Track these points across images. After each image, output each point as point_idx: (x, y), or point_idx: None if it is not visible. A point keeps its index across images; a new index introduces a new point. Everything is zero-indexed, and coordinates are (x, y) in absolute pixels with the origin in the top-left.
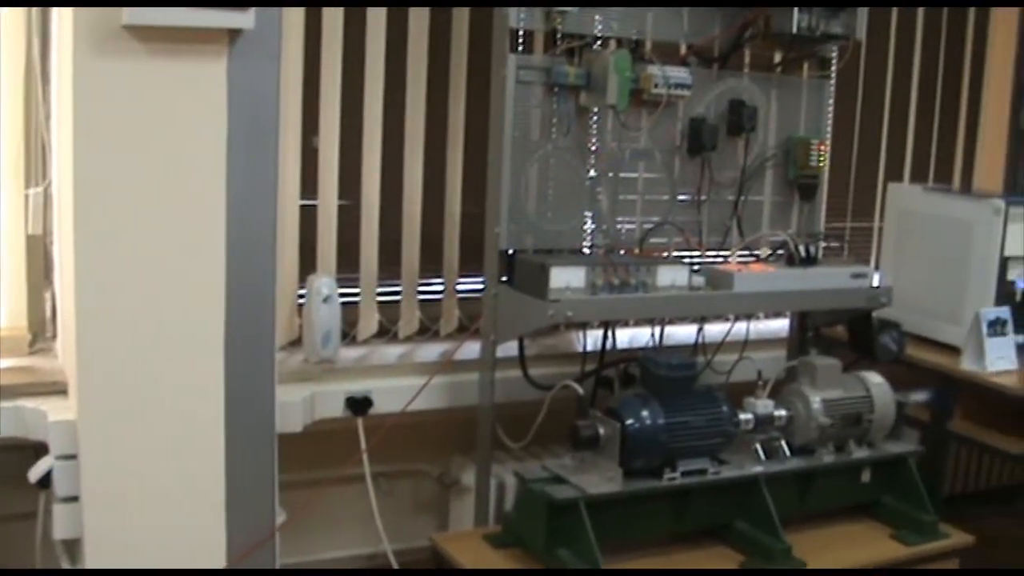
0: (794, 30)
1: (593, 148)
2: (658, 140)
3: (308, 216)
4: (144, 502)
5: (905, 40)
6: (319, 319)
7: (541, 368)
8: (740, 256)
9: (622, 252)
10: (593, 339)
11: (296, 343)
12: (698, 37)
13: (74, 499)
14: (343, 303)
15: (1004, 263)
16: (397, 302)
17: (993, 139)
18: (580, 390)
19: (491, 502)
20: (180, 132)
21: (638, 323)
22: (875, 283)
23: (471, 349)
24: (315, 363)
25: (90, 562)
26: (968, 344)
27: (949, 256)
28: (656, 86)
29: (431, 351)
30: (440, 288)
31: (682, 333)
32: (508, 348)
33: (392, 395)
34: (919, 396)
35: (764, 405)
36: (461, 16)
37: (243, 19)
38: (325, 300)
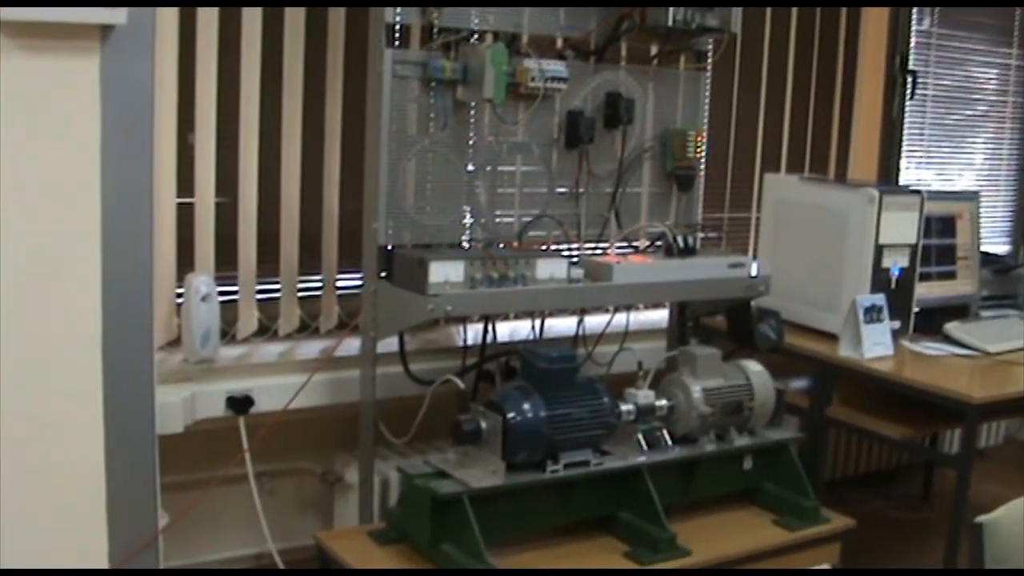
0: (670, 23)
1: (471, 142)
2: (535, 133)
3: (185, 214)
4: (23, 507)
5: (780, 33)
6: (198, 318)
7: (422, 363)
8: (619, 248)
9: (501, 246)
10: (474, 333)
11: (175, 343)
12: (575, 31)
13: None
14: (222, 302)
15: (879, 251)
16: (277, 299)
17: (867, 130)
18: (461, 384)
19: (375, 499)
20: (52, 130)
21: (518, 316)
22: (753, 273)
23: (352, 345)
24: (195, 363)
25: None
26: (845, 331)
27: (825, 245)
28: (533, 80)
29: (312, 348)
30: (319, 285)
31: (562, 325)
32: (389, 344)
33: (273, 393)
34: (798, 383)
35: (645, 395)
36: (337, 11)
37: (115, 15)
38: (203, 299)
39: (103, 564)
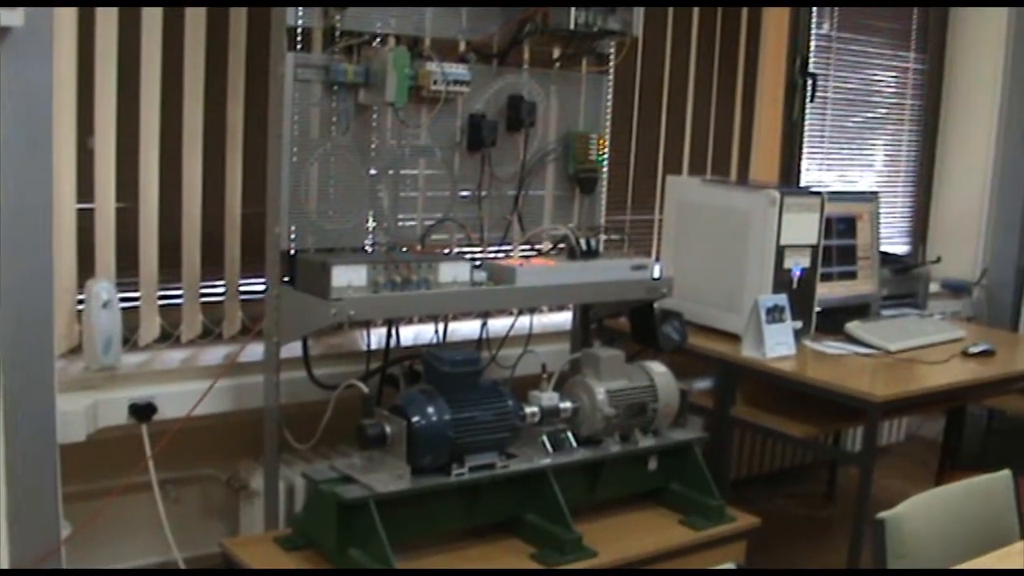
0: (572, 26)
1: (373, 146)
2: (438, 137)
3: (85, 220)
4: None
5: (682, 36)
6: (99, 325)
7: (326, 368)
8: (522, 251)
9: (404, 249)
10: (377, 337)
11: (76, 350)
12: (477, 34)
13: None
14: (124, 308)
15: (780, 252)
16: (179, 305)
17: (768, 132)
18: (365, 389)
19: (281, 505)
20: None
21: (422, 320)
22: (656, 274)
23: (255, 351)
24: (96, 370)
25: None
26: (747, 332)
27: (727, 246)
28: (435, 83)
29: (215, 354)
30: (222, 290)
31: (466, 329)
32: (292, 349)
33: (176, 400)
34: (702, 384)
35: (549, 398)
36: (239, 14)
37: (11, 16)
38: (104, 305)
39: None
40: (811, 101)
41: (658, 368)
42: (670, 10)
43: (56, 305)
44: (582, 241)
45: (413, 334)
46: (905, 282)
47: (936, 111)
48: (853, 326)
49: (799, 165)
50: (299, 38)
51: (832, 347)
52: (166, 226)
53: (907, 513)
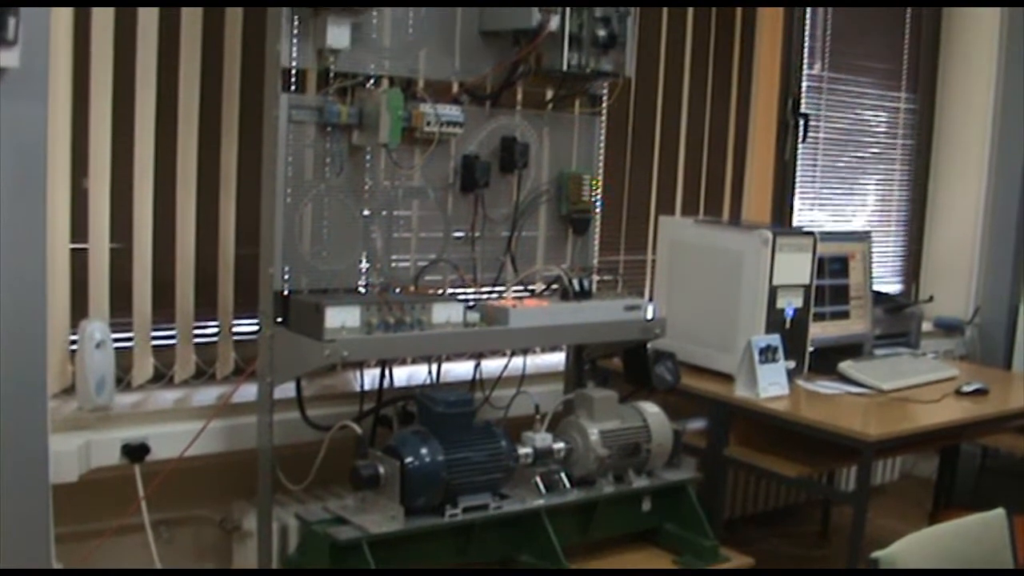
0: (564, 67)
1: (367, 187)
2: (431, 178)
3: (79, 260)
4: None
5: (674, 76)
6: (92, 365)
7: (320, 408)
8: (515, 291)
9: (397, 290)
10: (371, 378)
11: (69, 390)
12: (470, 75)
13: None
14: (117, 348)
15: (773, 292)
16: (172, 346)
17: (760, 172)
18: (359, 429)
19: (274, 546)
20: None
21: (415, 360)
22: (649, 315)
23: (248, 391)
24: (89, 410)
25: None
26: (741, 372)
27: (720, 286)
28: (428, 124)
29: (208, 395)
30: (216, 331)
31: (459, 369)
32: (286, 389)
33: (169, 441)
34: (695, 424)
35: (543, 438)
36: (233, 55)
37: (8, 57)
38: (98, 345)
39: None
40: (803, 141)
41: (651, 408)
42: (662, 50)
43: (49, 345)
44: (575, 282)
45: (407, 375)
46: (898, 321)
47: (927, 150)
48: (846, 366)
49: (791, 205)
50: (293, 79)
51: (825, 387)
52: (160, 266)
53: (901, 552)
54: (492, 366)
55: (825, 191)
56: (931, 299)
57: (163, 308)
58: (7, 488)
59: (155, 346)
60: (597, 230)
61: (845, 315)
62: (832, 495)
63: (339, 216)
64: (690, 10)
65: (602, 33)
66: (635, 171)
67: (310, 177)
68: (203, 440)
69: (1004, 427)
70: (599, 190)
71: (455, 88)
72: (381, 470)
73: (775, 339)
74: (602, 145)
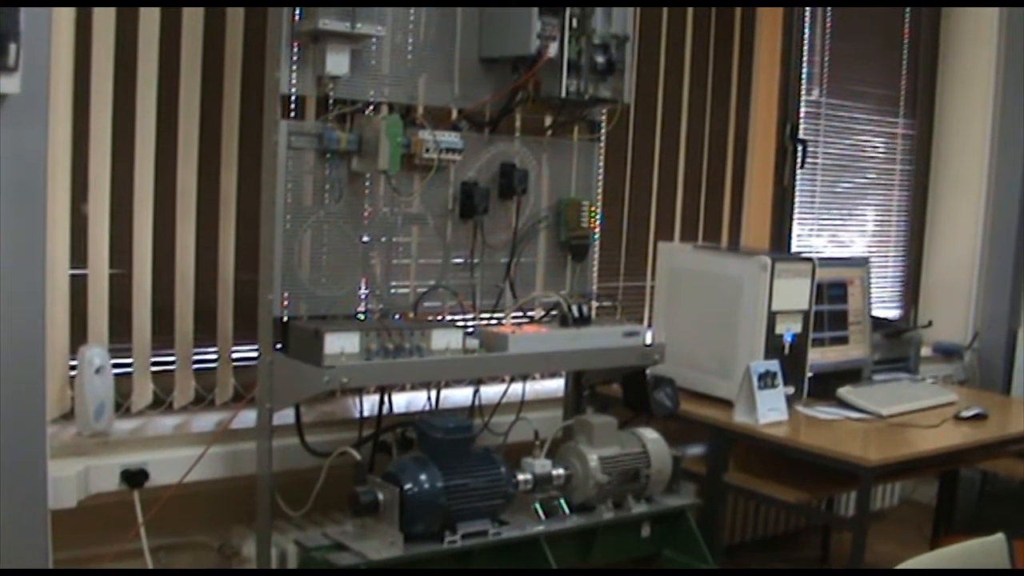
0: (563, 94)
1: (366, 213)
2: (430, 204)
3: (79, 285)
4: None
5: (672, 102)
6: (91, 390)
7: (319, 435)
8: (514, 318)
9: (397, 316)
10: (370, 404)
11: (68, 416)
12: (469, 102)
13: None
14: (116, 374)
15: (772, 317)
16: (172, 372)
17: (759, 198)
18: (358, 456)
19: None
20: None
21: (414, 387)
22: (648, 341)
23: (247, 418)
24: (88, 436)
25: None
26: (740, 397)
27: (719, 312)
28: (427, 150)
29: (207, 421)
30: (215, 357)
31: (458, 395)
32: (285, 416)
33: (169, 466)
34: (695, 450)
35: (542, 465)
36: (233, 81)
37: (8, 83)
38: (97, 371)
39: None
40: (801, 167)
41: (651, 434)
42: (661, 77)
43: (48, 370)
44: (574, 308)
45: (406, 401)
46: (897, 346)
47: (926, 175)
48: (845, 391)
49: (790, 230)
50: (292, 106)
51: (824, 412)
52: (159, 292)
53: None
54: (491, 392)
55: (824, 216)
56: (930, 324)
57: (162, 334)
58: (6, 514)
59: (154, 372)
60: (596, 256)
61: (844, 340)
62: (832, 521)
63: (338, 242)
64: (688, 35)
65: (600, 60)
66: (634, 197)
67: (309, 203)
68: (202, 466)
69: (1004, 452)
70: (598, 216)
71: (454, 114)
72: (380, 496)
73: (774, 365)
74: (601, 171)
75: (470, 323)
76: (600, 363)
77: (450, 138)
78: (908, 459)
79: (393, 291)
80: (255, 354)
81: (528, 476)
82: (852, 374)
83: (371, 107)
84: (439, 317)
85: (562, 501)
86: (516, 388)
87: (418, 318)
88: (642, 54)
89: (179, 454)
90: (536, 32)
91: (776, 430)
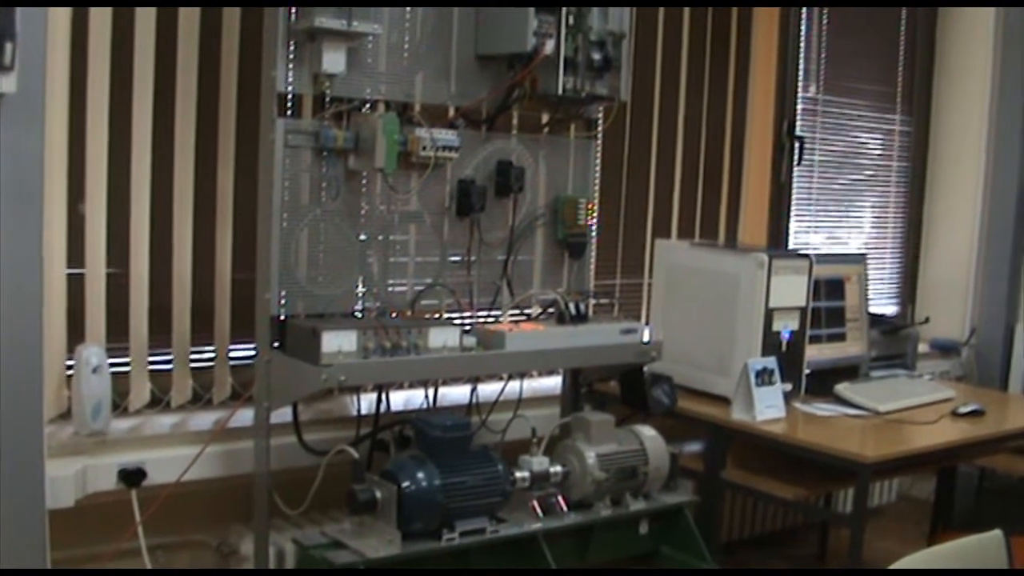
0: (560, 92)
1: (363, 211)
2: (427, 202)
3: (76, 285)
4: None
5: (669, 100)
6: (89, 390)
7: (316, 433)
8: (511, 315)
9: (394, 315)
10: (367, 402)
11: (66, 415)
12: (465, 100)
13: None
14: (113, 373)
15: (769, 315)
16: (169, 371)
17: (756, 195)
18: (355, 454)
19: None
20: None
21: (412, 385)
22: (645, 338)
23: (245, 416)
24: (86, 435)
25: None
26: (737, 395)
27: (716, 309)
28: (424, 148)
29: (205, 419)
30: (212, 355)
31: (456, 393)
32: (282, 414)
33: (166, 465)
34: (692, 447)
35: (539, 462)
36: (229, 79)
37: (5, 83)
38: (94, 370)
39: None
40: (798, 164)
41: (648, 432)
42: (657, 74)
43: (46, 370)
44: (571, 305)
45: (403, 399)
46: (894, 343)
47: (923, 172)
48: (842, 388)
49: (787, 227)
50: (289, 104)
51: (822, 409)
52: (156, 291)
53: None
54: (488, 390)
55: (821, 213)
56: (927, 320)
57: (160, 333)
58: (4, 513)
59: (152, 371)
60: (593, 254)
61: (841, 337)
62: (829, 517)
63: (335, 241)
64: (685, 33)
65: (597, 57)
66: (631, 194)
67: (306, 202)
68: (200, 465)
69: (1001, 448)
70: (595, 214)
71: (451, 112)
72: (378, 494)
73: (771, 362)
74: (598, 169)
75: (467, 321)
76: (597, 360)
77: (447, 136)
78: (906, 455)
79: (390, 289)
80: (252, 353)
81: (526, 474)
82: (850, 371)
83: (368, 105)
84: (436, 315)
85: (560, 498)
86: (513, 386)
87: (415, 316)
88: (639, 51)
89: (177, 453)
90: (533, 29)
91: (774, 427)
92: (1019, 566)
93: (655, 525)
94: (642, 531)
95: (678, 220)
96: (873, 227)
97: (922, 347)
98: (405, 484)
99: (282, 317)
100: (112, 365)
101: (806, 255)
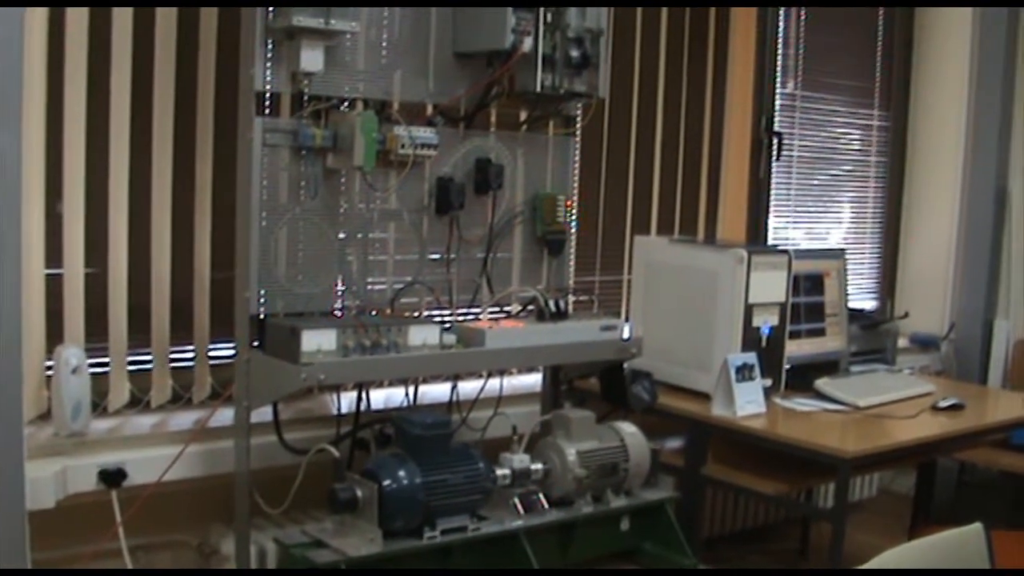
0: (538, 89)
1: (342, 210)
2: (406, 200)
3: (54, 285)
4: None
5: (647, 96)
6: (68, 391)
7: (297, 432)
8: (491, 313)
9: (373, 313)
10: (347, 401)
11: (45, 416)
12: (444, 97)
13: None
14: (93, 373)
15: (749, 310)
16: (148, 371)
17: (735, 191)
18: (336, 453)
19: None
20: None
21: (392, 383)
22: (625, 335)
23: (225, 416)
24: (65, 436)
25: None
26: (717, 390)
27: (696, 305)
28: (403, 146)
29: (185, 419)
30: (192, 355)
31: (436, 391)
32: (263, 413)
33: (146, 466)
34: (673, 443)
35: (520, 460)
36: (207, 79)
37: None
38: (74, 371)
39: None
40: (777, 159)
41: (629, 428)
42: (636, 71)
43: (25, 371)
44: (551, 303)
45: (383, 398)
46: (874, 338)
47: (901, 167)
48: (822, 383)
49: (766, 223)
50: (267, 103)
51: (802, 404)
52: (135, 291)
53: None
54: (469, 388)
55: (800, 209)
56: (906, 315)
57: (139, 333)
58: None
59: (131, 371)
60: (572, 251)
61: (821, 332)
62: (810, 512)
63: (314, 239)
64: (663, 30)
65: (575, 54)
66: (610, 191)
67: (285, 201)
68: (180, 465)
69: (981, 442)
70: (574, 211)
71: (429, 110)
72: (359, 493)
73: (751, 357)
74: (577, 166)
75: (447, 319)
76: (577, 357)
77: (425, 134)
78: (886, 450)
79: (370, 287)
80: (232, 352)
81: (507, 471)
82: (829, 366)
83: (346, 103)
84: (416, 313)
85: (541, 496)
86: (494, 383)
87: (395, 314)
88: (617, 49)
89: (157, 453)
90: (511, 27)
91: (754, 422)
92: (999, 559)
93: (636, 522)
94: (623, 528)
95: (657, 216)
96: (852, 222)
97: (901, 342)
98: (386, 482)
99: (262, 316)
100: (91, 365)
101: (785, 251)
